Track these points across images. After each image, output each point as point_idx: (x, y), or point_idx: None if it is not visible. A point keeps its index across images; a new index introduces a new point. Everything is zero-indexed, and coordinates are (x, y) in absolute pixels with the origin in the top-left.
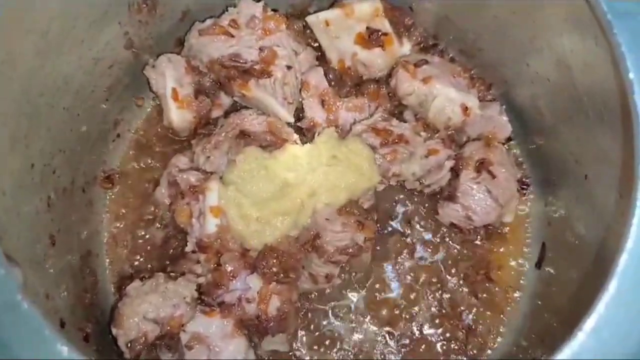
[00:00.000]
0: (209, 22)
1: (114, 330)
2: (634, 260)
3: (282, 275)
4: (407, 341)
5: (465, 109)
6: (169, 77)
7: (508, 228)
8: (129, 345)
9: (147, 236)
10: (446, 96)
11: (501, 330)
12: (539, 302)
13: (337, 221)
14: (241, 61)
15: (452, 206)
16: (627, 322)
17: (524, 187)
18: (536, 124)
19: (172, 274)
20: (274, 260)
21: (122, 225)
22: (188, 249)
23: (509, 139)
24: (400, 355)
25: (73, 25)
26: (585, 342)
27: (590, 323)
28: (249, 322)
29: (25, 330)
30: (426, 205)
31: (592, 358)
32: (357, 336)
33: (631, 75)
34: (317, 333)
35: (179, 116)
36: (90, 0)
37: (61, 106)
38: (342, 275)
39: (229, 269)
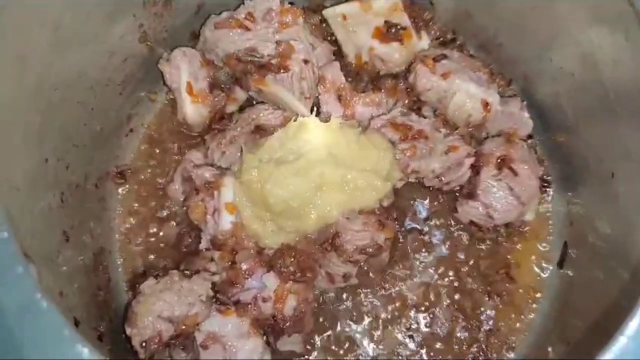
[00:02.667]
0: (224, 15)
1: (128, 330)
2: None
3: (299, 274)
4: (426, 342)
5: (485, 105)
6: (184, 70)
7: (529, 227)
8: (143, 344)
9: (161, 233)
10: (466, 92)
11: (522, 331)
12: (562, 303)
13: (357, 220)
14: (258, 55)
15: (472, 204)
16: None
17: (545, 185)
18: (558, 121)
19: (186, 272)
20: (291, 259)
21: (134, 222)
22: (202, 246)
23: (529, 136)
24: (419, 356)
25: (86, 18)
26: (627, 345)
27: (633, 326)
28: (265, 322)
29: (44, 330)
30: (445, 203)
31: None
32: (374, 338)
33: None
34: (333, 334)
35: (193, 110)
36: None
37: (75, 100)
38: (359, 275)
39: (245, 267)
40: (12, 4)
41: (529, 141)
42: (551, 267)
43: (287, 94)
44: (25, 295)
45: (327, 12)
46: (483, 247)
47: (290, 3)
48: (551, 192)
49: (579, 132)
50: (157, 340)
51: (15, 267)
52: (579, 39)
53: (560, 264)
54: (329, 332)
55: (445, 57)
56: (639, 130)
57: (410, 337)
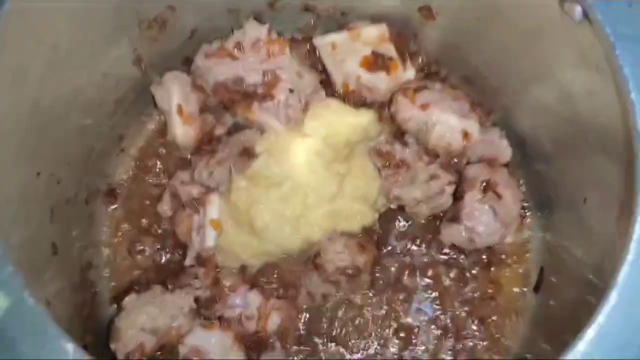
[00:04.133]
0: (215, 44)
1: (112, 346)
2: (633, 273)
3: (281, 290)
4: None
5: (465, 135)
6: (175, 93)
7: (508, 251)
8: (127, 357)
9: (147, 251)
10: (446, 123)
11: (502, 352)
12: (538, 326)
13: (338, 241)
14: (244, 85)
15: (456, 227)
16: (627, 332)
17: (523, 210)
18: (535, 150)
19: (169, 287)
20: (274, 276)
21: (122, 240)
22: (187, 262)
23: (507, 164)
24: None
25: (84, 39)
26: (586, 351)
27: (590, 333)
28: (249, 337)
29: (31, 328)
30: (426, 227)
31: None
32: (357, 355)
33: (633, 96)
34: (317, 349)
35: (183, 132)
36: (102, 15)
37: (69, 119)
38: (340, 294)
39: (228, 284)
40: (12, 23)
41: (508, 168)
42: (529, 291)
43: (273, 121)
44: (13, 293)
45: (317, 41)
46: (464, 270)
47: (279, 33)
48: (528, 219)
49: (556, 161)
50: (140, 352)
51: (5, 268)
52: (556, 72)
53: (537, 289)
54: (311, 346)
55: (426, 88)
56: (609, 158)
57: (393, 356)
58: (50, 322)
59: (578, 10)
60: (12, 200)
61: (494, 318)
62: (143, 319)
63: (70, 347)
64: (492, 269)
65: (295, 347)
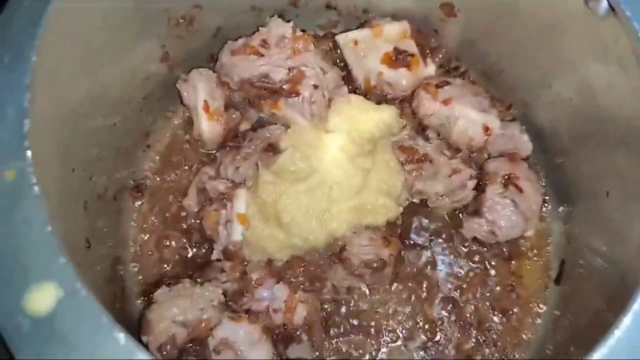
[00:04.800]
0: (240, 41)
1: (144, 338)
2: None
3: (307, 284)
4: (431, 356)
5: (486, 129)
6: (201, 90)
7: (529, 244)
8: (159, 349)
9: (174, 245)
10: (467, 118)
11: (526, 346)
12: (560, 319)
13: (364, 234)
14: (270, 81)
15: (477, 221)
16: None
17: (544, 204)
18: (555, 144)
19: (198, 280)
20: (300, 270)
21: (149, 234)
22: (214, 257)
23: (528, 157)
24: None
25: (115, 38)
26: (621, 339)
27: (626, 321)
28: (275, 330)
29: (83, 318)
30: (449, 220)
31: (627, 357)
32: (381, 347)
33: None
34: (341, 342)
35: (209, 128)
36: (133, 13)
37: (99, 115)
38: (363, 289)
39: (255, 277)
40: (55, 23)
41: (529, 161)
42: (551, 284)
43: (298, 116)
44: (66, 283)
45: (340, 38)
46: (486, 264)
47: (303, 30)
48: (549, 212)
49: (576, 155)
50: (171, 344)
51: (58, 258)
52: (577, 66)
53: (557, 281)
54: (338, 339)
55: (447, 83)
56: (630, 152)
57: (418, 348)
58: (103, 312)
59: (603, 5)
60: (50, 194)
61: (515, 310)
62: (174, 311)
63: (121, 336)
64: (513, 262)
65: (321, 340)
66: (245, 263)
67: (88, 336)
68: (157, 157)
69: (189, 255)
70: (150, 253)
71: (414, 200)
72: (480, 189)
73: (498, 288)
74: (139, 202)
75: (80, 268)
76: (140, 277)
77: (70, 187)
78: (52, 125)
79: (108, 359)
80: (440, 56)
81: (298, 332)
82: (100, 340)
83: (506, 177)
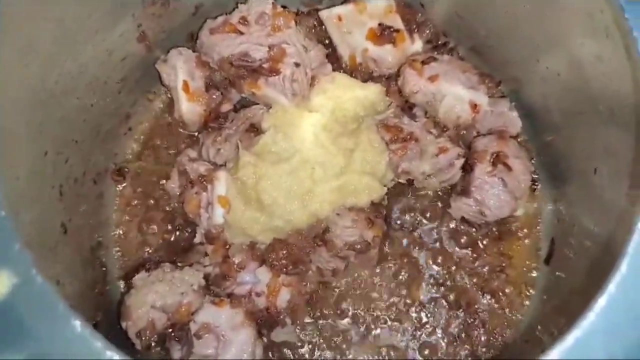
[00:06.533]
0: (220, 20)
1: (123, 324)
2: None
3: (291, 267)
4: (419, 338)
5: (474, 106)
6: (180, 70)
7: (518, 224)
8: (138, 334)
9: (156, 229)
10: (454, 95)
11: (513, 326)
12: (549, 298)
13: (347, 216)
14: (250, 60)
15: (465, 200)
16: (638, 301)
17: (534, 182)
18: (545, 121)
19: (179, 264)
20: (283, 252)
21: (131, 218)
22: (196, 240)
23: (517, 135)
24: (412, 350)
25: (88, 15)
26: (595, 322)
27: (601, 302)
28: (258, 314)
29: (39, 305)
30: (435, 201)
31: (602, 338)
32: (366, 330)
33: None
34: (326, 325)
35: (189, 109)
36: None
37: (75, 96)
38: (349, 270)
39: (237, 261)
40: None
41: (519, 139)
42: (540, 263)
43: (279, 96)
44: (22, 271)
45: (323, 14)
46: (475, 244)
47: (284, 7)
48: (539, 191)
49: (565, 131)
50: (151, 330)
51: (13, 244)
52: (565, 39)
53: (547, 261)
54: (322, 322)
55: (434, 59)
56: (619, 127)
57: (405, 331)
58: (58, 299)
59: None
60: (20, 177)
61: (505, 291)
62: (153, 296)
63: (77, 324)
64: (503, 242)
65: (305, 324)
66: (228, 246)
67: (43, 323)
68: (140, 140)
69: (172, 238)
70: (132, 237)
71: (400, 180)
72: (468, 168)
73: (487, 269)
74: (121, 186)
75: (53, 252)
76: (122, 262)
77: (42, 170)
78: (22, 105)
79: (64, 346)
80: (428, 32)
81: (282, 316)
82: (56, 328)
83: (495, 155)
